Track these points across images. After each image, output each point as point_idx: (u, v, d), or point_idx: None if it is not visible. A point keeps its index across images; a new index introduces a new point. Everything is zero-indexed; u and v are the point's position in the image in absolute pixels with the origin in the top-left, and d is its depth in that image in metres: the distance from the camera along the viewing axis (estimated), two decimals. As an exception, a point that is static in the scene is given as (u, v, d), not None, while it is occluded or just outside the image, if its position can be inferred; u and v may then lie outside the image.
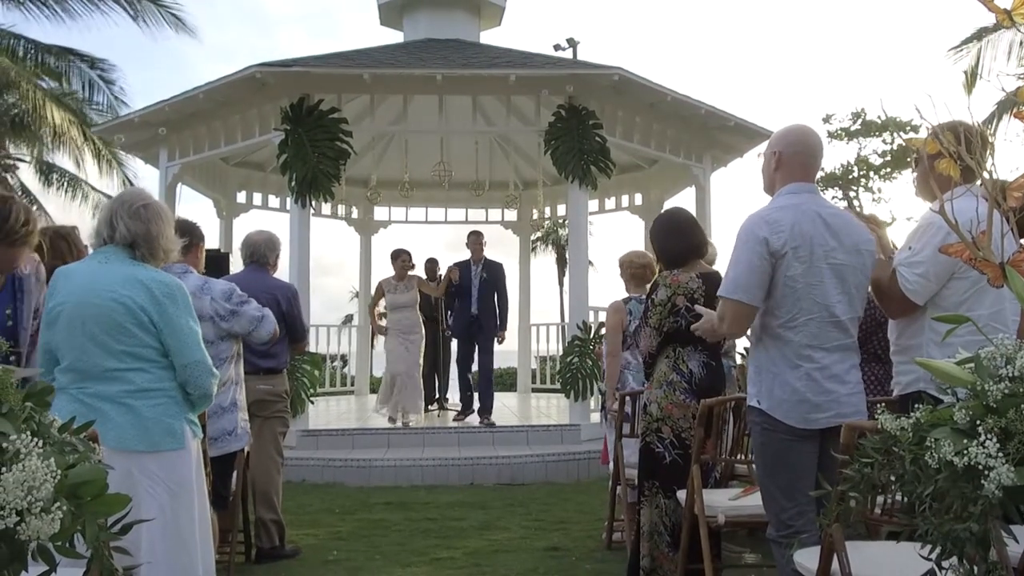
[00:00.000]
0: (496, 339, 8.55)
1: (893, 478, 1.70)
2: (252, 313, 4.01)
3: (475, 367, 8.83)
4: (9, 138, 15.63)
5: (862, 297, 2.83)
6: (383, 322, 8.58)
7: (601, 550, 4.71)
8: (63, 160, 15.82)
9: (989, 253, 1.81)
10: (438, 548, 4.79)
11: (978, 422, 1.54)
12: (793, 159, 2.79)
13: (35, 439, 1.27)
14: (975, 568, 1.52)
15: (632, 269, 5.06)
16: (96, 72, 15.76)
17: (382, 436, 7.65)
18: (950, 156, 1.64)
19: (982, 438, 1.50)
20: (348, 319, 31.39)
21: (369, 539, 5.03)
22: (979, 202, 1.93)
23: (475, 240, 8.60)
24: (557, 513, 5.72)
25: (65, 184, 16.10)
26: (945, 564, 1.55)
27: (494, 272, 8.49)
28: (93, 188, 16.02)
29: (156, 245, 2.67)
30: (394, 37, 10.24)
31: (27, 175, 16.87)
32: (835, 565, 2.29)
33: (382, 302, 8.52)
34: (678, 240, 3.80)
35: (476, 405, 8.47)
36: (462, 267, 8.47)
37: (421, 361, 8.34)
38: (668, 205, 10.66)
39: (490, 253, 8.63)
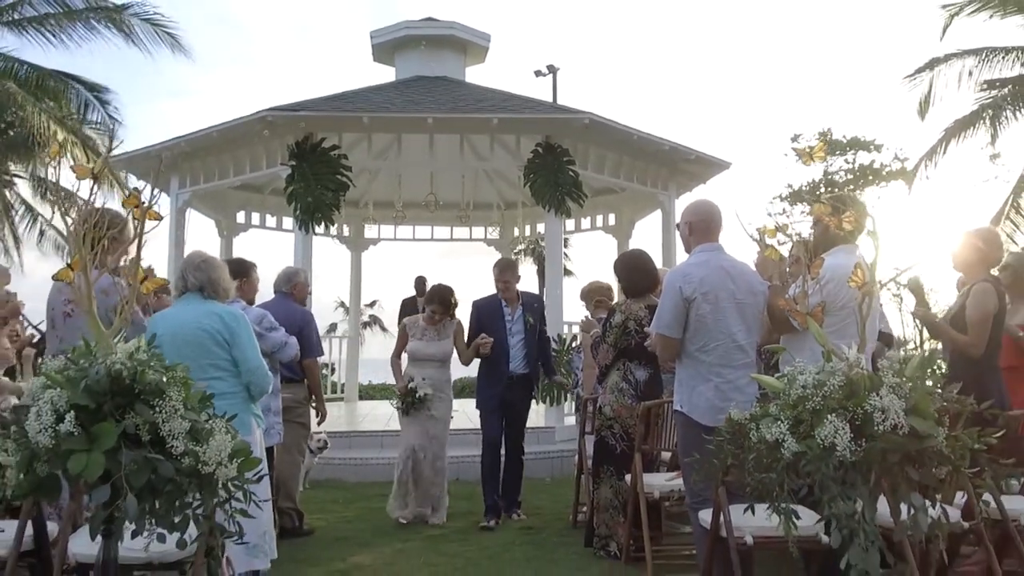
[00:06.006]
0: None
1: (741, 452, 2.67)
2: (278, 338, 4.99)
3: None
4: (8, 156, 16.50)
5: (758, 324, 3.80)
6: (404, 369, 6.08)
7: (567, 529, 5.67)
8: (67, 177, 16.57)
9: (803, 306, 2.78)
10: (430, 528, 5.73)
11: (781, 413, 2.50)
12: (700, 226, 3.80)
13: (218, 422, 2.18)
14: (778, 506, 2.47)
15: (598, 298, 6.06)
16: (93, 93, 16.59)
17: (375, 438, 8.53)
18: (774, 246, 2.60)
19: (780, 422, 2.45)
20: (332, 328, 32.27)
21: (371, 522, 5.95)
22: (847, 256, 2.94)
23: (507, 277, 6.02)
24: (532, 502, 6.63)
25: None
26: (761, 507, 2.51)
27: (538, 312, 6.19)
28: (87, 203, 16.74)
29: (218, 287, 3.78)
30: (386, 72, 11.20)
31: (24, 190, 17.99)
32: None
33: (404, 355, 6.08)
34: (642, 277, 4.96)
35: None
36: (486, 307, 6.07)
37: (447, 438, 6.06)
38: (638, 226, 11.74)
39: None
